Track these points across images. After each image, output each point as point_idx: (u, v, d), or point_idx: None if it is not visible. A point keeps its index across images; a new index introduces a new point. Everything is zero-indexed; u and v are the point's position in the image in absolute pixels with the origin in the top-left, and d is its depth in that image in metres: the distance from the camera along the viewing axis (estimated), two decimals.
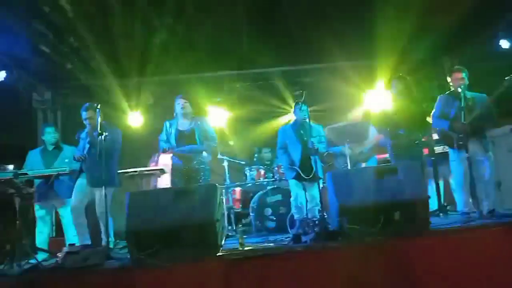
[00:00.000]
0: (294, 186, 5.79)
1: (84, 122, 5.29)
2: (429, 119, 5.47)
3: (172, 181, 5.45)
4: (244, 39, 8.19)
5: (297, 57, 8.43)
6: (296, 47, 8.16)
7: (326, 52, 8.12)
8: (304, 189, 5.66)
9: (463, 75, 5.15)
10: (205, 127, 5.57)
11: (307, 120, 5.53)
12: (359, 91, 8.84)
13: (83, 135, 5.37)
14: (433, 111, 5.40)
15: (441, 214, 5.45)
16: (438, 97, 5.44)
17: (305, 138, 5.65)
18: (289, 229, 5.71)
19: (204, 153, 5.53)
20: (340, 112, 7.42)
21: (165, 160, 6.67)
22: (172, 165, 5.46)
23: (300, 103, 5.82)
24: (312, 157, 5.56)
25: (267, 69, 8.89)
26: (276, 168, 7.02)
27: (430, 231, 3.80)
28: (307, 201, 5.62)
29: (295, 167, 5.67)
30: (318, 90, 8.77)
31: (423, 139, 5.73)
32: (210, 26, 7.55)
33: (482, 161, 4.99)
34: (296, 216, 5.66)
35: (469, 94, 5.10)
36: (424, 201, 3.80)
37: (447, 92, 5.41)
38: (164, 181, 6.42)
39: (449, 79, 5.31)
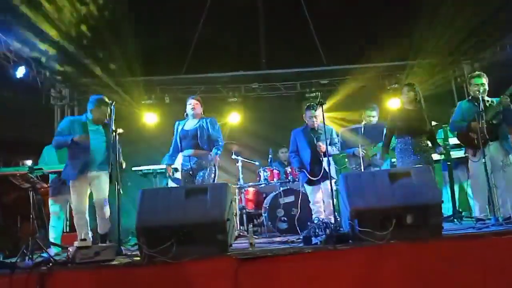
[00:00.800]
0: (308, 190, 5.89)
1: (99, 116, 5.11)
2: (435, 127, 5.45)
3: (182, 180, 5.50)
4: (262, 40, 8.21)
5: (314, 59, 8.43)
6: (314, 49, 8.16)
7: (344, 54, 8.11)
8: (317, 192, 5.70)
9: (483, 80, 5.11)
10: (209, 127, 5.51)
11: (317, 123, 5.53)
12: (377, 93, 8.81)
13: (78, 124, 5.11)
14: (452, 116, 5.37)
15: (455, 219, 5.36)
16: (458, 103, 5.47)
17: (315, 141, 5.65)
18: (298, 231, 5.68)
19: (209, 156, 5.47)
20: (356, 114, 7.33)
21: (179, 160, 6.72)
22: (182, 163, 5.50)
23: (311, 106, 5.80)
24: (321, 160, 5.55)
25: (284, 70, 8.90)
26: (290, 170, 6.99)
27: (443, 236, 3.73)
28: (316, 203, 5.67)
29: (303, 170, 5.70)
30: (335, 92, 8.76)
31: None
32: (230, 27, 7.59)
33: (502, 165, 4.92)
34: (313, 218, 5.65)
35: (490, 100, 5.07)
36: (437, 206, 3.73)
37: (467, 99, 5.41)
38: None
39: (469, 85, 5.26)
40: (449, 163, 5.83)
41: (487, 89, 5.09)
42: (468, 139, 5.10)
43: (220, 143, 5.52)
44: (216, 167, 5.47)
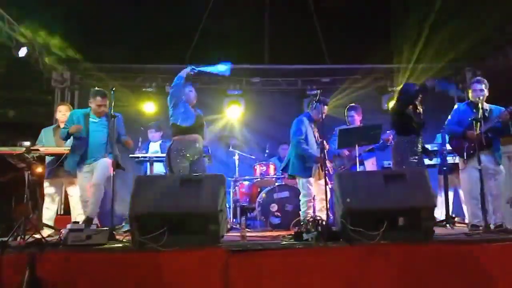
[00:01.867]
0: (307, 184, 5.65)
1: (95, 107, 5.15)
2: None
3: (178, 165, 5.17)
4: (266, 34, 8.20)
5: (318, 57, 8.43)
6: (318, 46, 8.16)
7: (346, 53, 8.12)
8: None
9: (483, 86, 5.13)
10: None
11: (321, 119, 5.48)
12: (376, 94, 8.82)
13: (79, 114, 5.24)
14: (448, 118, 5.39)
15: (447, 224, 5.39)
16: (456, 105, 5.50)
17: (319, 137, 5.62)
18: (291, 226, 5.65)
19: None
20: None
21: (155, 148, 6.72)
22: (182, 148, 5.23)
23: (314, 102, 5.76)
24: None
25: (287, 65, 8.89)
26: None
27: (433, 240, 3.75)
28: (314, 200, 5.63)
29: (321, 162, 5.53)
30: (336, 91, 8.75)
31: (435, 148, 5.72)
32: (235, 19, 7.57)
33: (493, 174, 4.96)
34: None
35: (487, 106, 5.09)
36: (430, 209, 3.75)
37: (466, 102, 5.40)
38: (156, 168, 6.44)
39: (469, 90, 5.29)
40: (444, 167, 5.84)
41: (486, 95, 5.12)
42: (460, 146, 5.11)
43: None
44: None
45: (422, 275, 3.40)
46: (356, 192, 3.86)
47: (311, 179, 5.61)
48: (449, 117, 5.38)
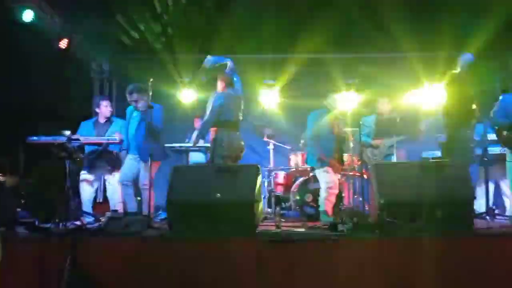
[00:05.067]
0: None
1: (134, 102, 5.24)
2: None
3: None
4: (301, 24, 8.07)
5: (353, 46, 8.25)
6: (355, 34, 7.97)
7: (383, 41, 7.90)
8: None
9: None
10: None
11: None
12: (415, 84, 8.56)
13: (129, 110, 5.43)
14: (494, 109, 5.20)
15: (487, 217, 5.23)
16: (501, 96, 5.29)
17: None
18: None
19: None
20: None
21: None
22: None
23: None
24: None
25: (323, 55, 8.74)
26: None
27: (474, 232, 3.66)
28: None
29: None
30: (372, 80, 8.56)
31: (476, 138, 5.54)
32: (273, 8, 7.47)
33: None
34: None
35: None
36: (469, 202, 3.66)
37: None
38: (193, 157, 6.50)
39: None
40: (486, 159, 5.65)
41: None
42: (508, 138, 4.94)
43: None
44: None
45: (462, 268, 3.33)
46: (394, 183, 3.80)
47: None
48: (495, 107, 5.19)
